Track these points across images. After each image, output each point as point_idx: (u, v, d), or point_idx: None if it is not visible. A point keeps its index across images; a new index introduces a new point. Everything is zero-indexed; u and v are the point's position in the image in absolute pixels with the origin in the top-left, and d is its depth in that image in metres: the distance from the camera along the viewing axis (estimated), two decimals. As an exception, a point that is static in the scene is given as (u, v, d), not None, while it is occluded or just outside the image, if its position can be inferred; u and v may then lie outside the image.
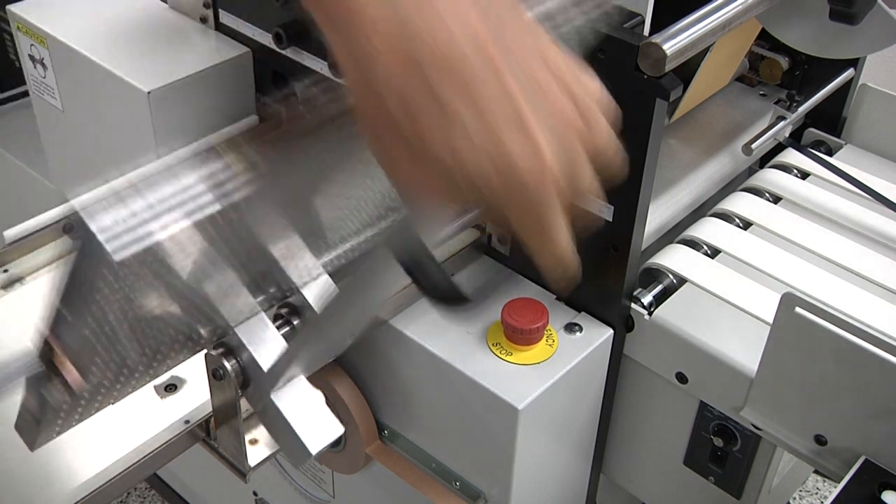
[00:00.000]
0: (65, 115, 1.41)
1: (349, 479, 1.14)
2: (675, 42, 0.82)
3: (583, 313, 1.00)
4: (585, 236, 0.95)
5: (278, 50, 1.25)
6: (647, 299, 0.99)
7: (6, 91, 1.79)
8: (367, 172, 0.63)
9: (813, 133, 1.24)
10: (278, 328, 0.77)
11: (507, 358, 0.92)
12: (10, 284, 1.08)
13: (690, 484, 1.06)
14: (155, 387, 0.96)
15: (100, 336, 0.62)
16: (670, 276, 1.01)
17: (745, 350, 0.93)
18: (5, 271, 1.08)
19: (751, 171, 1.23)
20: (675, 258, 1.03)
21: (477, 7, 0.50)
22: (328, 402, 0.77)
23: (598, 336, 0.98)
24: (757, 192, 1.14)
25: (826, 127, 1.24)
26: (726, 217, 1.09)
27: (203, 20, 1.37)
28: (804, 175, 1.17)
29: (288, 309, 0.88)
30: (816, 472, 1.40)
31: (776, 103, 1.23)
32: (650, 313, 0.98)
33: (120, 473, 0.85)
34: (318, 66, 1.22)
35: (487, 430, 0.92)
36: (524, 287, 1.01)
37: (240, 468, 0.84)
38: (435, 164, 0.50)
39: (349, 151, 0.60)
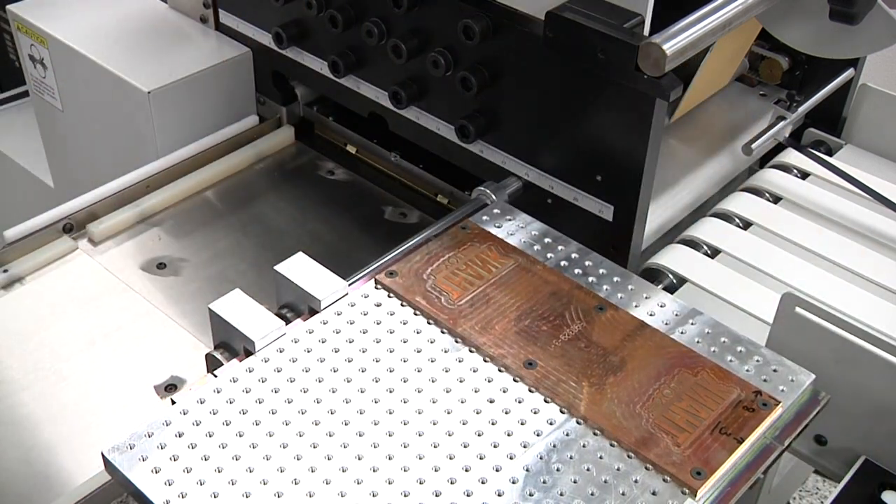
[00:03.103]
0: (65, 115, 1.41)
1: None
2: (675, 42, 0.82)
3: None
4: (586, 236, 0.96)
5: (278, 50, 1.26)
6: (647, 299, 0.99)
7: (6, 91, 1.79)
8: None
9: (813, 133, 1.24)
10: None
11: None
12: (10, 284, 1.08)
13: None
14: (155, 387, 0.97)
15: None
16: (670, 276, 1.01)
17: (745, 350, 0.93)
18: (5, 271, 1.09)
19: (751, 171, 1.23)
20: (675, 258, 1.03)
21: None
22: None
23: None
24: (757, 192, 1.14)
25: (826, 127, 1.24)
26: (726, 217, 1.10)
27: (203, 20, 1.37)
28: (804, 175, 1.17)
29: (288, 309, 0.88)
30: (816, 472, 1.41)
31: (776, 103, 1.24)
32: (650, 313, 0.98)
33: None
34: (318, 65, 1.22)
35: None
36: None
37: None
38: None
39: None
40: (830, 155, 1.20)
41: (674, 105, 1.13)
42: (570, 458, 0.74)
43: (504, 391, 0.79)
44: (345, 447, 0.74)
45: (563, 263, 0.91)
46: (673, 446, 0.74)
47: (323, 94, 1.30)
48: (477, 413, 0.77)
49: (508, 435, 0.75)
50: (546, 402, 0.78)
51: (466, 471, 0.73)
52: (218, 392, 0.77)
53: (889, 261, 1.03)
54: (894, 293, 0.99)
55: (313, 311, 0.85)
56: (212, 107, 1.30)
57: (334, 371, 0.80)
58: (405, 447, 0.74)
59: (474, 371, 0.81)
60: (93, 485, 0.86)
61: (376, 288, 0.88)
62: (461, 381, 0.80)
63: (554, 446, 0.75)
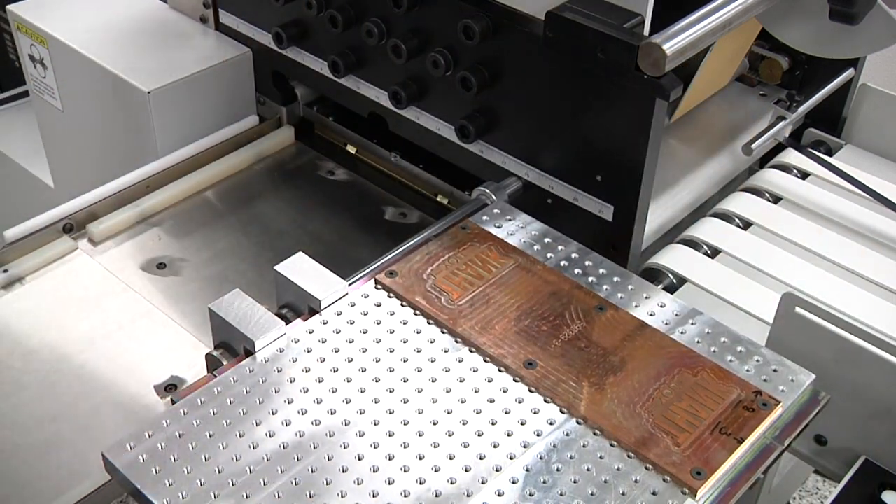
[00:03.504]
0: (65, 115, 1.41)
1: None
2: (675, 42, 0.82)
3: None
4: (586, 236, 0.96)
5: (278, 50, 1.26)
6: (647, 299, 0.99)
7: (6, 91, 1.79)
8: None
9: (813, 133, 1.24)
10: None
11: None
12: (10, 284, 1.08)
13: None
14: (155, 387, 0.97)
15: None
16: (670, 276, 1.01)
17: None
18: (5, 271, 1.08)
19: (751, 171, 1.23)
20: (675, 258, 1.03)
21: None
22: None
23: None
24: (757, 192, 1.14)
25: (826, 127, 1.24)
26: (726, 217, 1.10)
27: (203, 20, 1.37)
28: (804, 175, 1.17)
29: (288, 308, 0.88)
30: (816, 472, 1.41)
31: (776, 103, 1.24)
32: (650, 313, 0.98)
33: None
34: (318, 65, 1.22)
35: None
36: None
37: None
38: None
39: None
40: (830, 155, 1.20)
41: (674, 105, 1.13)
42: (571, 458, 0.74)
43: (504, 391, 0.79)
44: (345, 447, 0.74)
45: (563, 263, 0.91)
46: (673, 446, 0.74)
47: (323, 94, 1.30)
48: (477, 413, 0.77)
49: (508, 435, 0.75)
50: (546, 402, 0.78)
51: (466, 471, 0.73)
52: (218, 392, 0.77)
53: (889, 261, 1.03)
54: (894, 293, 0.99)
55: (313, 311, 0.85)
56: (212, 107, 1.30)
57: (334, 371, 0.80)
58: (405, 447, 0.74)
59: (474, 371, 0.81)
60: (93, 485, 0.86)
61: (376, 288, 0.88)
62: (461, 381, 0.80)
63: (554, 446, 0.75)
